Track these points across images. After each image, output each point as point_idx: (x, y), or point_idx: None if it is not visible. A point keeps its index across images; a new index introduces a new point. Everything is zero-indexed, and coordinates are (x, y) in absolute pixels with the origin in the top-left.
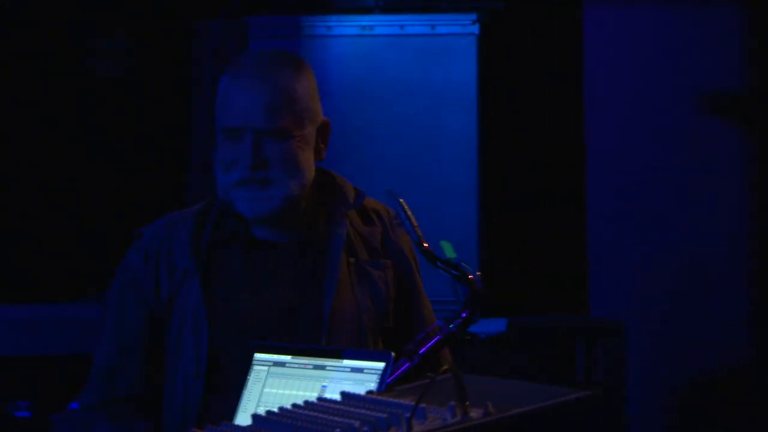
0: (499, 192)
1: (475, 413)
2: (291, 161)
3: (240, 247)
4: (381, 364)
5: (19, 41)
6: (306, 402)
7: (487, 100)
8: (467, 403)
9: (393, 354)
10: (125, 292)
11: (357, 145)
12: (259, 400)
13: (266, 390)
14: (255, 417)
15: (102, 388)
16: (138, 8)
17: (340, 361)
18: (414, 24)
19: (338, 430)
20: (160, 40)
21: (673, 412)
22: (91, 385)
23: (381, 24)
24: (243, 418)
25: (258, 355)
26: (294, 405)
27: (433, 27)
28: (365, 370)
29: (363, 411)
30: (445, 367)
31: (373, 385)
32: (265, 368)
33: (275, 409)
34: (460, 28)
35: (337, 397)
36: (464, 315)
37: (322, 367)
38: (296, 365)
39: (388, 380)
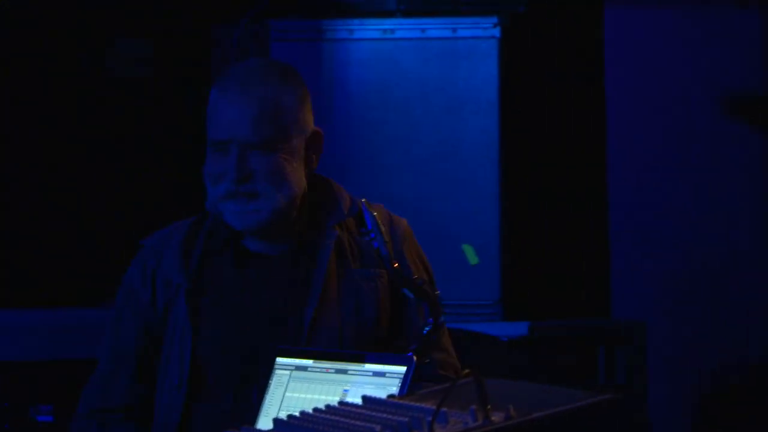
0: (521, 194)
1: (496, 417)
2: (278, 174)
3: (230, 259)
4: (403, 368)
5: (40, 42)
6: (327, 406)
7: (509, 102)
8: (489, 406)
9: (415, 358)
10: (124, 303)
11: (378, 148)
12: (281, 404)
13: (288, 394)
14: (276, 421)
15: (95, 398)
16: (159, 12)
17: (362, 365)
18: (435, 27)
19: None
20: (181, 44)
21: (695, 415)
22: (86, 394)
23: (402, 27)
24: (265, 423)
25: (280, 359)
26: (315, 409)
27: (454, 30)
28: (387, 374)
29: (384, 415)
30: (467, 370)
31: (394, 389)
32: (287, 372)
33: (297, 413)
34: (482, 31)
35: (358, 401)
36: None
37: (344, 371)
38: (318, 369)
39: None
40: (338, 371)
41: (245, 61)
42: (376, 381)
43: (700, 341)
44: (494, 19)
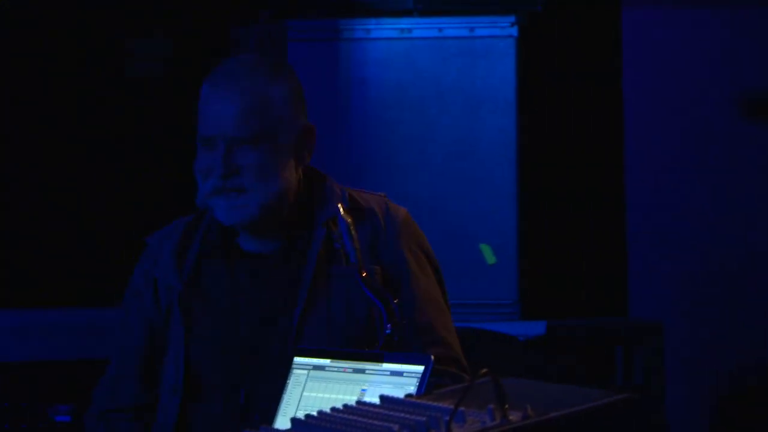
0: (538, 194)
1: (514, 416)
2: (265, 169)
3: (223, 259)
4: (420, 368)
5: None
6: (345, 405)
7: (526, 102)
8: (506, 406)
9: (433, 358)
10: (130, 303)
11: (395, 147)
12: (298, 404)
13: (306, 393)
14: (294, 420)
15: (105, 399)
16: (177, 12)
17: (380, 364)
18: (452, 26)
19: None
20: (199, 44)
21: (712, 416)
22: (96, 395)
23: (419, 27)
24: (282, 422)
25: (298, 359)
26: (333, 408)
27: (471, 29)
28: (405, 374)
29: (402, 414)
30: (485, 370)
31: (412, 389)
32: (305, 372)
33: (314, 413)
34: (499, 31)
35: (376, 400)
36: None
37: (362, 371)
38: (336, 369)
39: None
40: (356, 371)
41: (235, 56)
42: (394, 380)
43: (718, 342)
44: (512, 18)
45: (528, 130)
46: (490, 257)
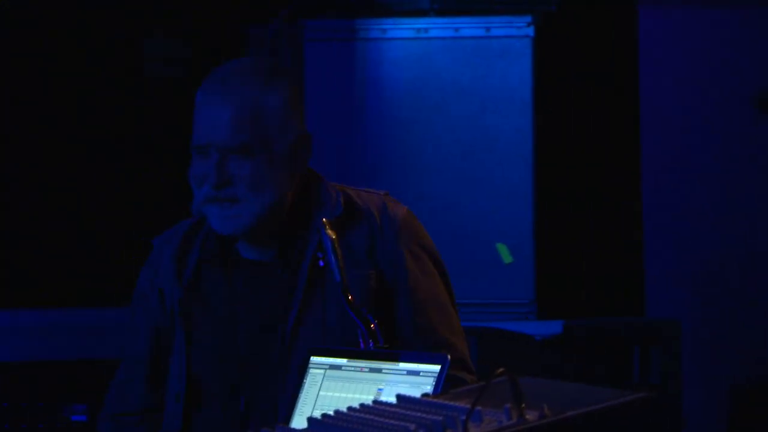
0: (555, 193)
1: (531, 416)
2: (257, 179)
3: (222, 265)
4: (437, 367)
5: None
6: (362, 405)
7: (542, 101)
8: (523, 405)
9: (449, 357)
10: (136, 306)
11: (412, 147)
12: (315, 404)
13: (322, 393)
14: (311, 420)
15: (114, 403)
16: (193, 12)
17: (396, 363)
18: (469, 26)
19: None
20: (215, 44)
21: (730, 414)
22: (107, 399)
23: (436, 26)
24: (299, 422)
25: (314, 359)
26: (350, 408)
27: (487, 29)
28: (421, 373)
29: (419, 414)
30: (501, 369)
31: (428, 388)
32: (322, 371)
33: (331, 412)
34: (515, 30)
35: (392, 399)
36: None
37: (379, 370)
38: (352, 368)
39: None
40: (372, 370)
41: (230, 62)
42: (410, 380)
43: (735, 341)
44: (528, 18)
45: (544, 130)
46: (506, 257)
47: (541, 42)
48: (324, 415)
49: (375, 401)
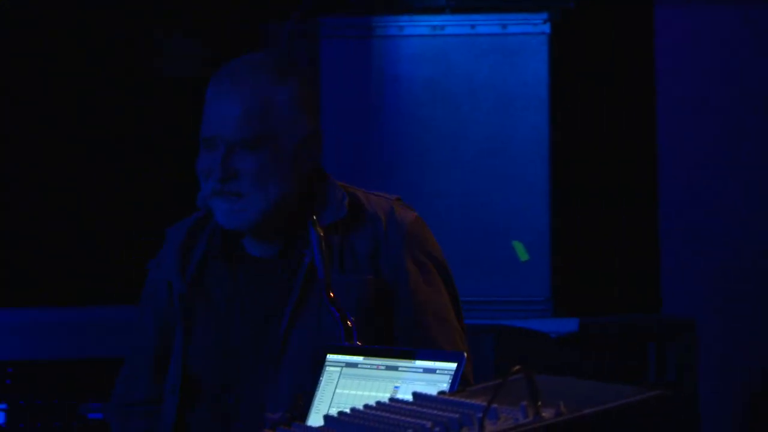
0: (571, 191)
1: (547, 413)
2: (262, 174)
3: (227, 261)
4: (453, 365)
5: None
6: (378, 403)
7: (559, 99)
8: (539, 403)
9: (465, 355)
10: (145, 300)
11: (428, 145)
12: (331, 401)
13: (339, 391)
14: (327, 418)
15: (121, 393)
16: (208, 10)
17: (413, 361)
18: (485, 23)
19: (410, 430)
20: (230, 41)
21: (746, 411)
22: (115, 390)
23: (452, 24)
24: (315, 419)
25: (331, 356)
26: (366, 406)
27: (504, 26)
28: (438, 371)
29: (435, 411)
30: (517, 367)
31: (445, 386)
32: (338, 369)
33: (347, 410)
34: (532, 28)
35: (409, 397)
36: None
37: (395, 368)
38: (369, 366)
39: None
40: (388, 368)
41: (243, 56)
42: (427, 377)
43: (751, 338)
44: (544, 15)
45: (561, 127)
46: (522, 254)
47: (558, 39)
48: (340, 413)
49: (391, 399)
